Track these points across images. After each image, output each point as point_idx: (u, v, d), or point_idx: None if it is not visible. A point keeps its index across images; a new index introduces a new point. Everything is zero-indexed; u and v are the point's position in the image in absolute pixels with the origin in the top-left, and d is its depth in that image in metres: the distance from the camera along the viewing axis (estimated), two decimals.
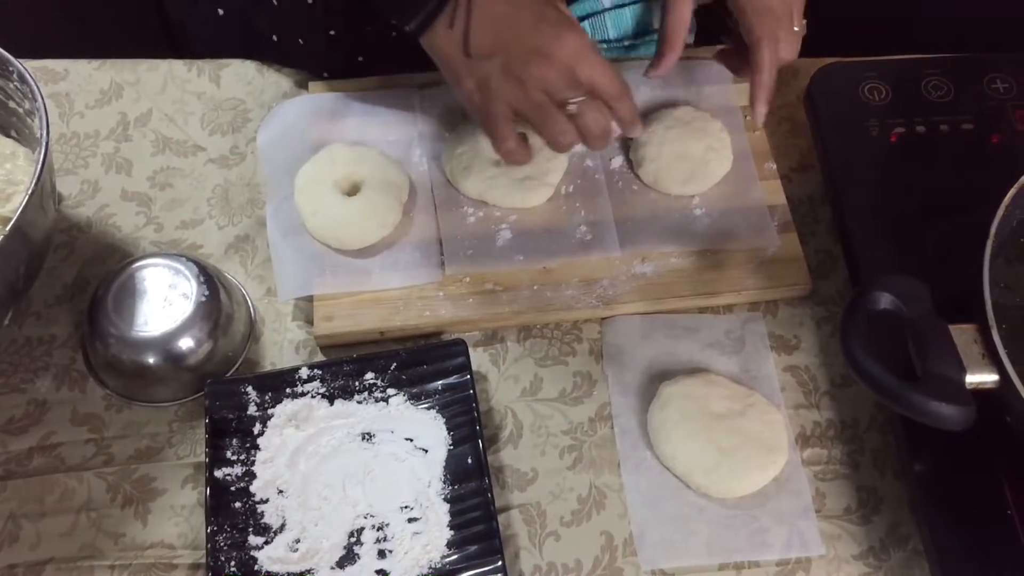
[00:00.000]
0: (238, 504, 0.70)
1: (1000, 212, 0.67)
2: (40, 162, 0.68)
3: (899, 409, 0.62)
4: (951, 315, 0.64)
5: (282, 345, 0.79)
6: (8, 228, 0.67)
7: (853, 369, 0.62)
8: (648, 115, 0.85)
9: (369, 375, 0.75)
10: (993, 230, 0.66)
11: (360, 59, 0.91)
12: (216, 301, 0.75)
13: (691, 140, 0.84)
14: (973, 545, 0.67)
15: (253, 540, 0.69)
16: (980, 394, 0.62)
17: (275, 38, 0.90)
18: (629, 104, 0.72)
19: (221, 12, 0.93)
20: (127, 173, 0.87)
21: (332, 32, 0.88)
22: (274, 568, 0.68)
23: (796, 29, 0.74)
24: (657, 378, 0.76)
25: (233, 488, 0.71)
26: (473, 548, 0.68)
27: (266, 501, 0.71)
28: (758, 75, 0.74)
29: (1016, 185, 0.69)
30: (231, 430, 0.73)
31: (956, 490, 0.69)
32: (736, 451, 0.71)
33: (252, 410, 0.73)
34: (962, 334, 0.63)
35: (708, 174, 0.83)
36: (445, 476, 0.71)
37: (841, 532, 0.71)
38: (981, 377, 0.62)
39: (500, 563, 0.67)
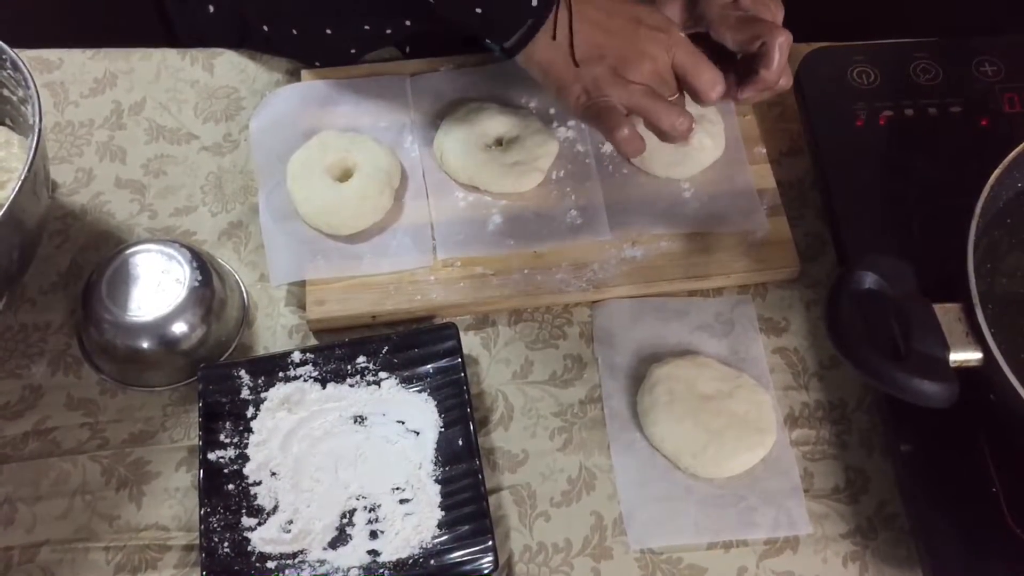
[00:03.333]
0: (231, 486, 0.71)
1: (985, 192, 0.68)
2: (33, 149, 0.69)
3: (882, 387, 0.62)
4: (939, 296, 0.65)
5: (275, 330, 0.80)
6: (0, 214, 0.67)
7: (836, 347, 0.63)
8: None
9: (361, 359, 0.75)
10: (978, 209, 0.67)
11: (352, 51, 0.91)
12: (209, 286, 0.76)
13: None
14: (959, 523, 0.67)
15: (246, 522, 0.70)
16: (964, 373, 0.62)
17: (266, 28, 0.91)
18: (708, 73, 0.73)
19: (212, 9, 0.93)
20: (121, 161, 0.87)
21: (328, 30, 0.88)
22: (267, 549, 0.69)
23: None
24: (647, 361, 0.77)
25: (226, 471, 0.71)
26: (464, 528, 0.69)
27: (259, 483, 0.71)
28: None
29: (1001, 165, 0.69)
30: (224, 414, 0.73)
31: (942, 469, 0.69)
32: (725, 432, 0.72)
33: (245, 394, 0.74)
34: (946, 313, 0.64)
35: (699, 158, 0.84)
36: (436, 458, 0.72)
37: (829, 511, 0.72)
38: (965, 355, 0.63)
39: (490, 543, 0.67)
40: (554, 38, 0.72)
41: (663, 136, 0.73)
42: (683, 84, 0.74)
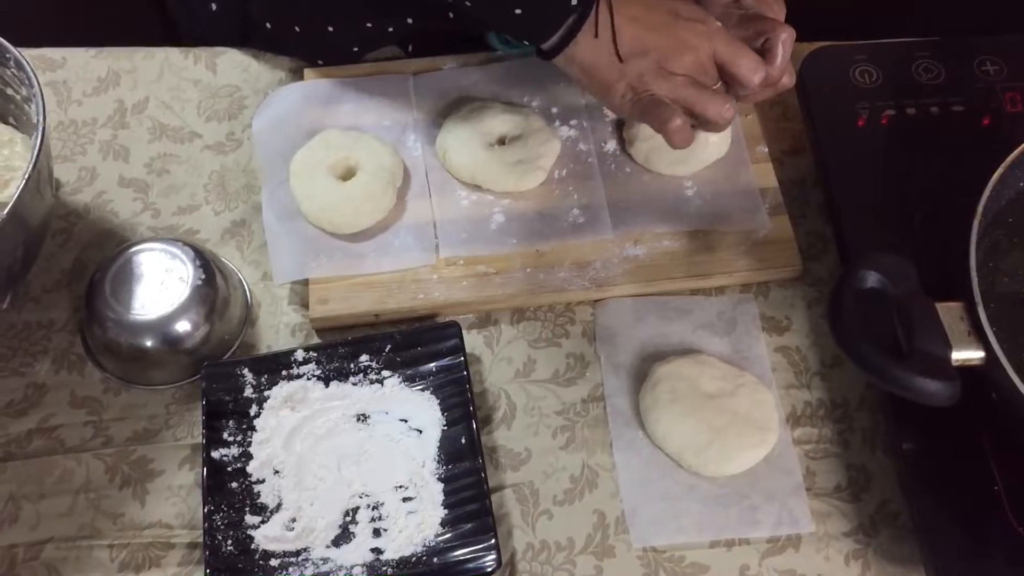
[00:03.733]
0: (235, 484, 0.71)
1: (987, 191, 0.68)
2: (36, 147, 0.69)
3: (885, 385, 0.62)
4: (941, 295, 0.65)
5: (278, 328, 0.80)
6: (4, 212, 0.67)
7: (839, 345, 0.63)
8: None
9: (364, 357, 0.76)
10: (980, 208, 0.67)
11: (355, 50, 0.91)
12: (212, 285, 0.76)
13: None
14: (961, 521, 0.67)
15: (249, 519, 0.70)
16: (966, 371, 0.63)
17: (269, 26, 0.91)
18: (748, 60, 0.73)
19: (214, 7, 0.94)
20: (124, 160, 0.88)
21: (331, 28, 0.89)
22: (270, 547, 0.69)
23: None
24: (649, 359, 0.77)
25: (230, 469, 0.71)
26: (467, 526, 0.69)
27: (262, 481, 0.71)
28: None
29: (1004, 164, 0.69)
30: (228, 412, 0.73)
31: (944, 467, 0.69)
32: (727, 430, 0.72)
33: (248, 392, 0.74)
34: (948, 311, 0.64)
35: (702, 155, 0.84)
36: (439, 456, 0.72)
37: (831, 509, 0.72)
38: (967, 354, 0.63)
39: (493, 541, 0.68)
40: (596, 36, 0.71)
41: (707, 125, 0.73)
42: (724, 73, 0.73)
